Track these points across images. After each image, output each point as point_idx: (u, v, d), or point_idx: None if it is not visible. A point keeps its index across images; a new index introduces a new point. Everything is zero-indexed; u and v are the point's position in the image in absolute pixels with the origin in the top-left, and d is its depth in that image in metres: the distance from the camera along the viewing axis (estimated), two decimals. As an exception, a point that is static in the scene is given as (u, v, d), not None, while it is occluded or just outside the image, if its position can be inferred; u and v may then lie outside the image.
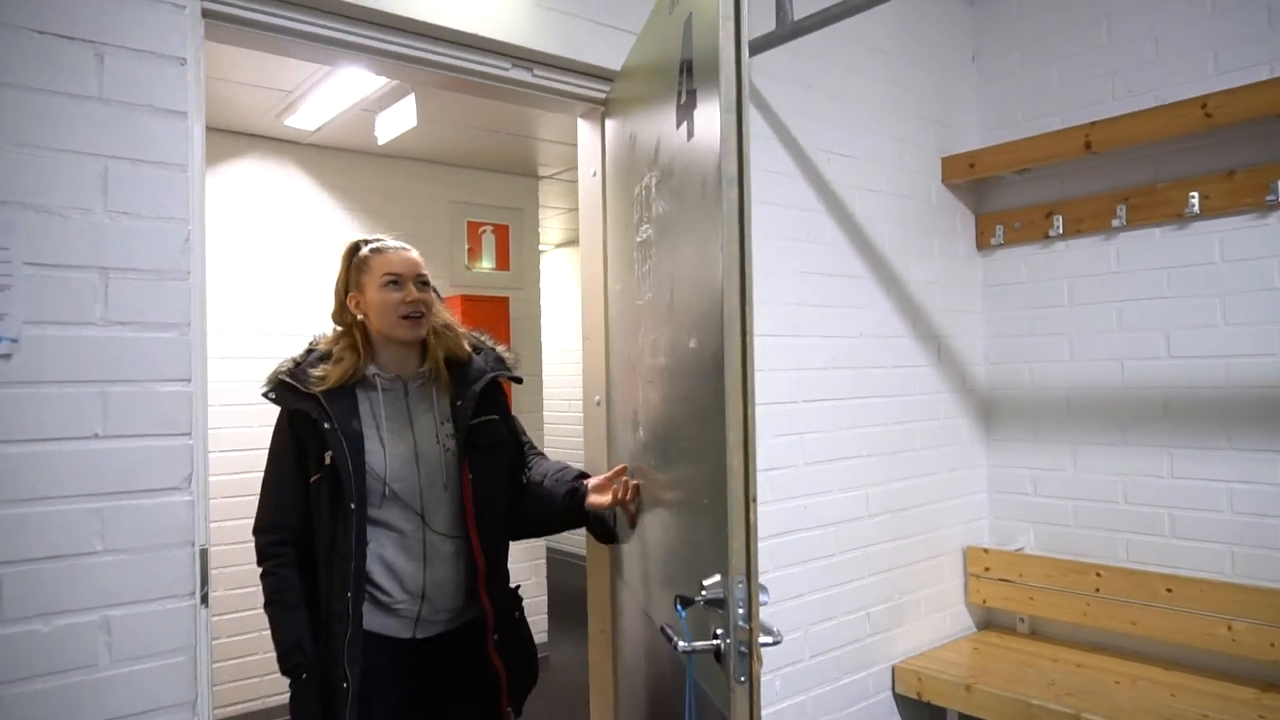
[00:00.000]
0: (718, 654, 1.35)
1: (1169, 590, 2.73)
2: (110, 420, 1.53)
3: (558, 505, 1.94)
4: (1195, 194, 2.72)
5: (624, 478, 1.95)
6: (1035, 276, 3.17)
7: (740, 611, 1.30)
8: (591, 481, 1.97)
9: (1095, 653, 2.92)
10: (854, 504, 2.78)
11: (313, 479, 1.81)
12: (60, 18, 1.50)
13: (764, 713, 2.49)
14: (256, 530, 1.86)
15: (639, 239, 1.91)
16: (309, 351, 1.92)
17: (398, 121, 3.27)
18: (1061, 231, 3.04)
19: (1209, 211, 2.71)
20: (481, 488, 1.88)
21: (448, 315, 1.99)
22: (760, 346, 2.48)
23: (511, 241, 4.51)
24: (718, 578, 1.35)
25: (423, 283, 1.90)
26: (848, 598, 2.76)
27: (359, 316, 1.88)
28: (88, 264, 1.52)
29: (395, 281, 1.85)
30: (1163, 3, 2.83)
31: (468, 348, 1.97)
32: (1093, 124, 2.82)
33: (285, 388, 1.85)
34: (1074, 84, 3.04)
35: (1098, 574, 2.90)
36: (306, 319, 3.82)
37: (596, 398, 2.35)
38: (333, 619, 1.77)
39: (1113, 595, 2.87)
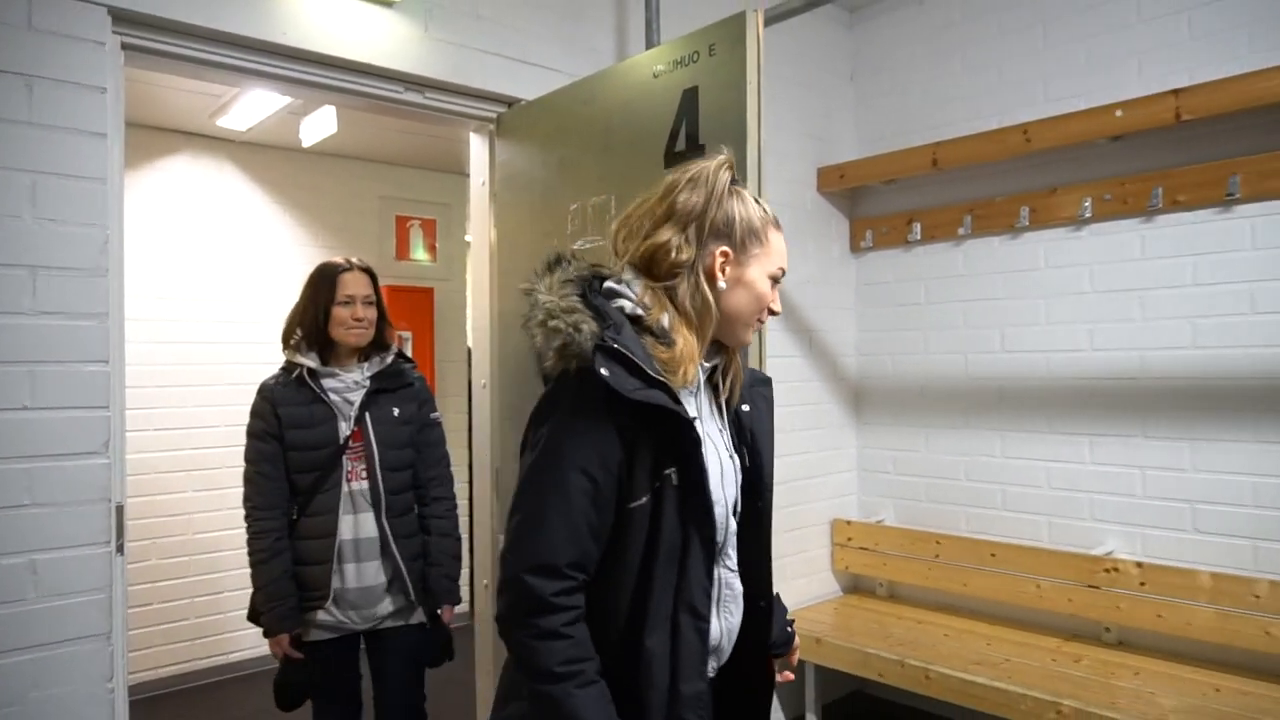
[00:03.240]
0: None
1: (993, 555, 3.13)
2: (38, 394, 1.82)
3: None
4: (1025, 208, 3.10)
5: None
6: (899, 277, 3.53)
7: None
8: None
9: (937, 611, 3.31)
10: (723, 478, 3.13)
11: (636, 503, 1.20)
12: (-6, 55, 1.78)
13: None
14: (536, 570, 1.16)
15: (579, 246, 2.29)
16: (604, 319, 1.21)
17: (320, 127, 3.54)
18: (920, 237, 3.41)
19: (1036, 224, 3.09)
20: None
21: None
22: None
23: (439, 235, 4.80)
24: None
25: None
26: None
27: (721, 285, 1.27)
28: (18, 263, 1.80)
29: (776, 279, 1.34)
30: (1005, 37, 3.20)
31: None
32: (939, 144, 3.19)
33: (622, 361, 1.18)
34: (932, 106, 3.41)
35: (937, 542, 3.29)
36: (239, 308, 4.11)
37: (483, 382, 2.67)
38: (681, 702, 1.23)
39: (950, 561, 3.26)
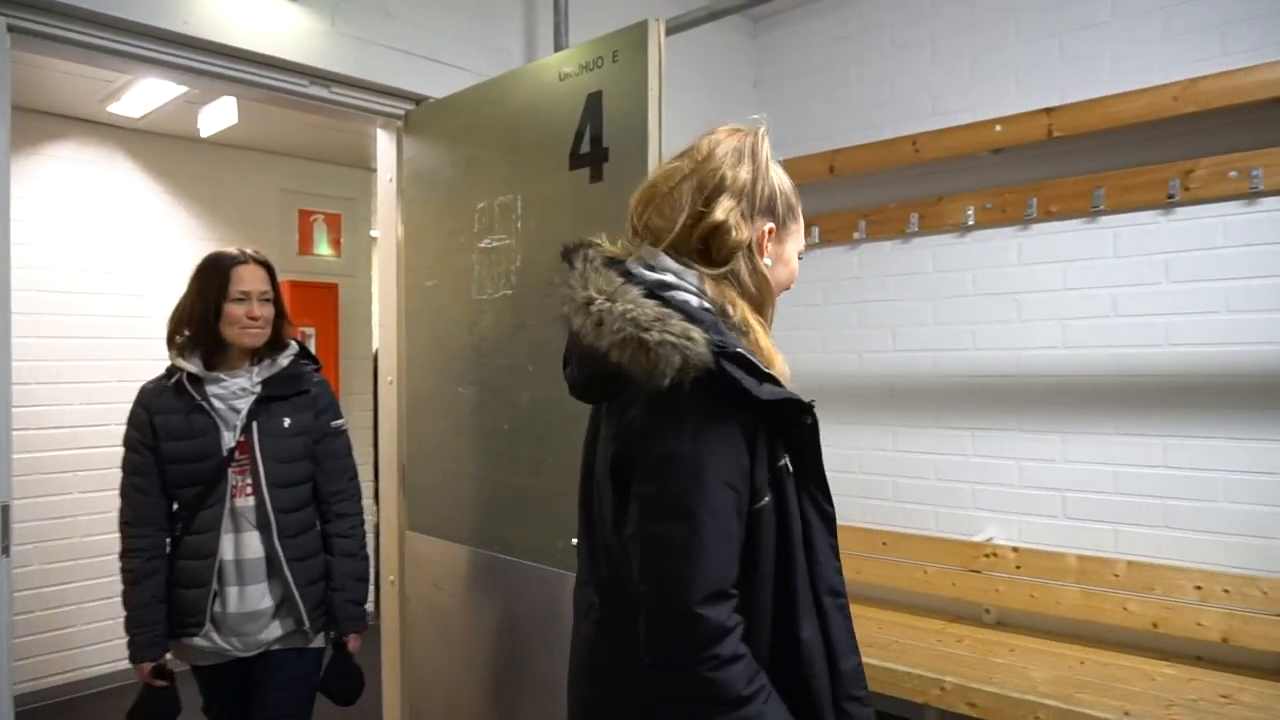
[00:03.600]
0: None
1: (884, 544, 3.30)
2: (-85, 390, 1.75)
3: None
4: (915, 214, 3.27)
5: None
6: (799, 278, 3.65)
7: None
8: None
9: (833, 598, 3.46)
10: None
11: (761, 503, 1.13)
12: None
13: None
14: (709, 599, 1.06)
15: (486, 245, 2.31)
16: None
17: (220, 117, 3.46)
18: (819, 240, 3.56)
19: (925, 229, 3.27)
20: None
21: None
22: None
23: (344, 230, 4.73)
24: None
25: None
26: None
27: (766, 261, 1.23)
28: (-106, 252, 1.73)
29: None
30: (898, 52, 3.37)
31: None
32: (836, 151, 3.34)
33: (743, 364, 1.10)
34: (830, 115, 3.56)
35: (834, 531, 3.43)
36: (129, 302, 3.97)
37: (389, 378, 2.67)
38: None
39: (845, 550, 3.38)
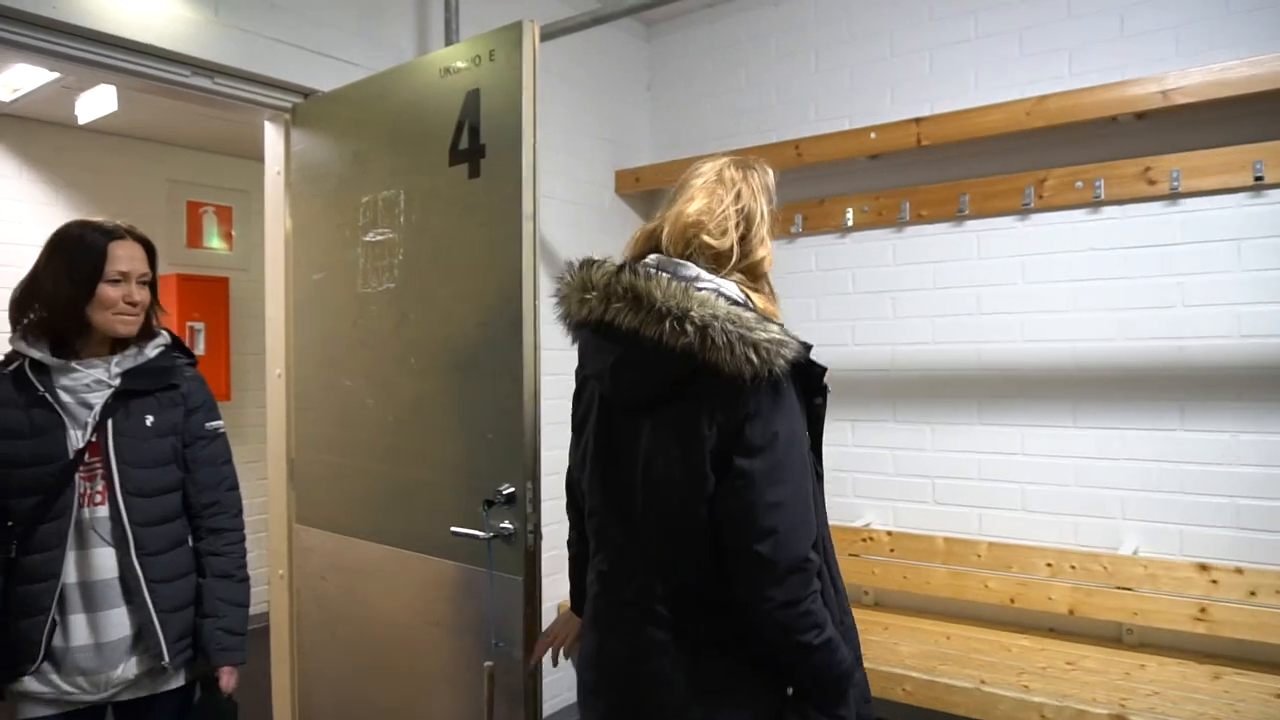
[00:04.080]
0: (508, 537, 2.00)
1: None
2: None
3: None
4: (800, 215, 3.43)
5: None
6: (691, 276, 3.79)
7: (529, 503, 2.00)
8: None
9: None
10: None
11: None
12: None
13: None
14: (812, 546, 1.35)
15: (370, 239, 2.33)
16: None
17: (98, 105, 3.35)
18: (709, 240, 3.68)
19: (808, 230, 3.42)
20: None
21: None
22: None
23: (236, 223, 4.62)
24: (510, 486, 2.01)
25: None
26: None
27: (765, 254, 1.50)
28: None
29: None
30: (782, 60, 3.51)
31: None
32: (725, 153, 3.46)
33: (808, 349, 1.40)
34: (720, 118, 3.69)
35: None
36: (5, 294, 3.79)
37: (278, 371, 2.66)
38: None
39: (734, 536, 3.54)
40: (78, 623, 1.69)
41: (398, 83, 2.32)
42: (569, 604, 1.82)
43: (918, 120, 3.00)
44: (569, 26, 2.56)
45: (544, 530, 3.37)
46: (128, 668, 1.74)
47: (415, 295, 2.23)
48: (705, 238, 1.44)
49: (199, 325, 4.31)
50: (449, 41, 2.73)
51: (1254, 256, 2.62)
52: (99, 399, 1.73)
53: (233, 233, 4.62)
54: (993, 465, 3.06)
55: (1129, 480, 2.82)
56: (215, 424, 1.92)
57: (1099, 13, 2.83)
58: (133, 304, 1.76)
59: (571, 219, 3.50)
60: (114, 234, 1.77)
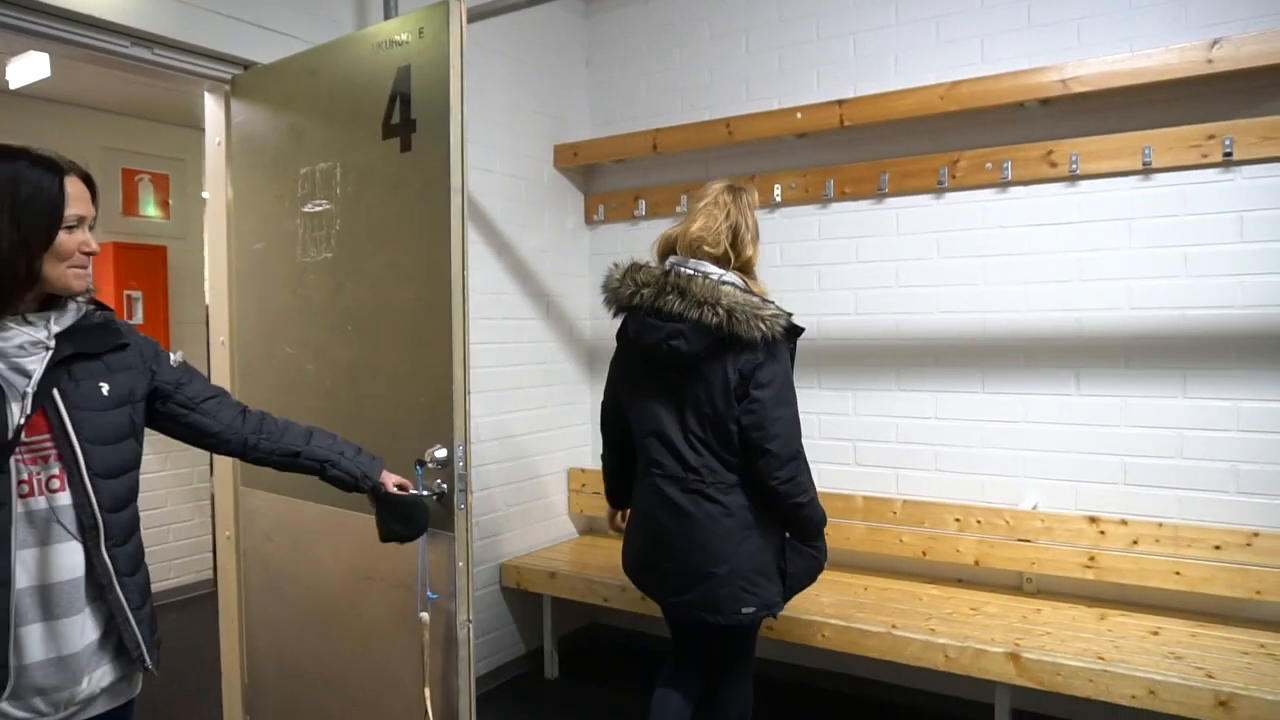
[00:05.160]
0: (441, 496, 2.15)
1: (702, 492, 3.61)
2: None
3: None
4: (731, 191, 3.56)
5: None
6: (628, 249, 3.86)
7: (460, 464, 2.13)
8: None
9: (657, 544, 3.76)
10: (464, 431, 3.37)
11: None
12: None
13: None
14: (801, 444, 2.24)
15: (309, 210, 2.40)
16: None
17: (30, 70, 3.32)
18: (645, 213, 3.81)
19: (739, 205, 3.56)
20: None
21: None
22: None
23: (173, 191, 4.59)
24: (442, 449, 2.13)
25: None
26: (458, 508, 3.35)
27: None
28: None
29: None
30: (716, 41, 3.64)
31: None
32: (659, 130, 3.58)
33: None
34: (655, 95, 3.80)
35: (657, 483, 3.73)
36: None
37: (221, 339, 2.72)
38: None
39: (668, 499, 3.70)
40: (32, 635, 1.37)
41: (334, 57, 2.37)
42: (609, 503, 2.65)
43: (840, 102, 3.16)
44: (506, 5, 2.64)
45: (478, 492, 3.48)
46: (93, 680, 1.45)
47: (351, 265, 2.32)
48: (706, 248, 2.22)
49: (137, 294, 4.30)
50: (387, 16, 2.79)
51: (1143, 235, 2.84)
52: (36, 364, 1.39)
53: (169, 201, 4.59)
54: (909, 429, 3.27)
55: (1030, 441, 3.05)
56: (176, 356, 1.69)
57: (1009, 3, 3.01)
58: (89, 254, 1.46)
59: (511, 191, 3.59)
60: (63, 169, 1.43)
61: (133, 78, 2.90)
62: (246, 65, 2.63)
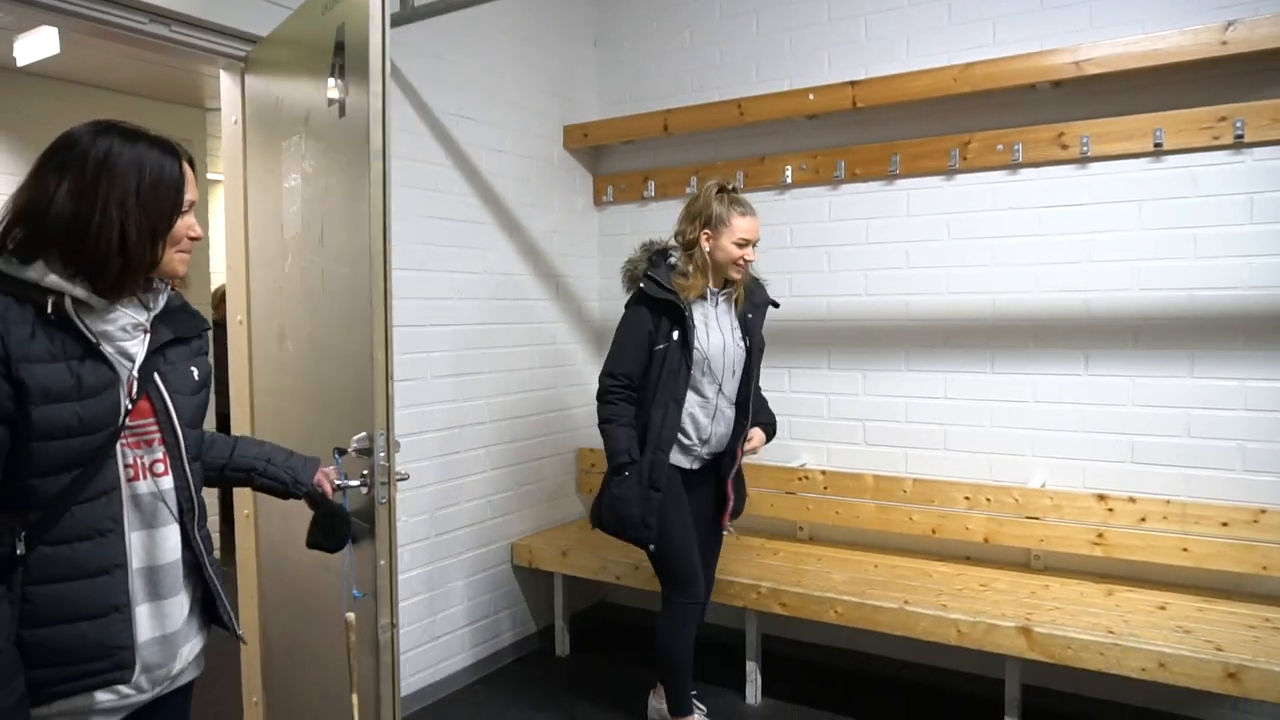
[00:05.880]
0: (362, 486, 1.93)
1: (712, 471, 3.64)
2: None
3: None
4: (741, 172, 3.58)
5: None
6: (636, 230, 3.91)
7: (381, 455, 1.92)
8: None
9: (666, 523, 3.80)
10: (475, 411, 3.39)
11: (659, 347, 2.64)
12: None
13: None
14: (607, 374, 2.72)
15: (287, 185, 2.36)
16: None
17: (38, 47, 3.28)
18: (654, 194, 3.81)
19: (749, 187, 3.58)
20: (750, 376, 2.78)
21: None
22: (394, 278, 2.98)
23: (176, 171, 4.55)
24: (364, 434, 1.94)
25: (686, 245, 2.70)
26: (471, 488, 3.38)
27: (707, 248, 2.64)
28: None
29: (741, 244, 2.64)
30: (725, 22, 3.64)
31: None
32: (670, 111, 3.59)
33: (655, 282, 2.65)
34: (665, 76, 3.80)
35: (667, 462, 3.76)
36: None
37: (239, 318, 2.72)
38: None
39: (677, 478, 3.73)
40: (143, 615, 1.40)
41: (300, 23, 2.32)
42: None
43: (853, 83, 3.17)
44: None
45: (489, 472, 3.48)
46: (184, 655, 1.49)
47: (310, 241, 2.27)
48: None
49: (140, 275, 4.27)
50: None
51: (1153, 216, 2.87)
52: (138, 348, 1.39)
53: (172, 182, 4.55)
54: (918, 408, 3.30)
55: (1039, 421, 3.09)
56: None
57: (1021, -15, 3.03)
58: (195, 239, 1.45)
59: (521, 172, 3.59)
60: (179, 152, 1.43)
61: (146, 55, 2.88)
62: (254, 40, 2.62)
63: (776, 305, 2.88)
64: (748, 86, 3.56)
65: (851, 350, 3.43)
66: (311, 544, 1.83)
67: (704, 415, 2.69)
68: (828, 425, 3.50)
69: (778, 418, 3.59)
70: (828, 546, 3.44)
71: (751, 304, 2.76)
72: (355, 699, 1.95)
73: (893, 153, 3.24)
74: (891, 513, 3.29)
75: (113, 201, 1.32)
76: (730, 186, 2.70)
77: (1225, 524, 2.75)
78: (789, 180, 3.48)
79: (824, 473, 3.44)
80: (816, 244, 3.47)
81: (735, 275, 2.67)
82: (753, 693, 3.18)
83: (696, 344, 2.61)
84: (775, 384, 3.57)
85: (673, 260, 2.68)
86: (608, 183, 3.94)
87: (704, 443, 2.70)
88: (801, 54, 3.46)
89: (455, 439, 3.29)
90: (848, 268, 3.42)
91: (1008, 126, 3.04)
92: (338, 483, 1.85)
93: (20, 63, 3.52)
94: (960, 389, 3.23)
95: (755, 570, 3.16)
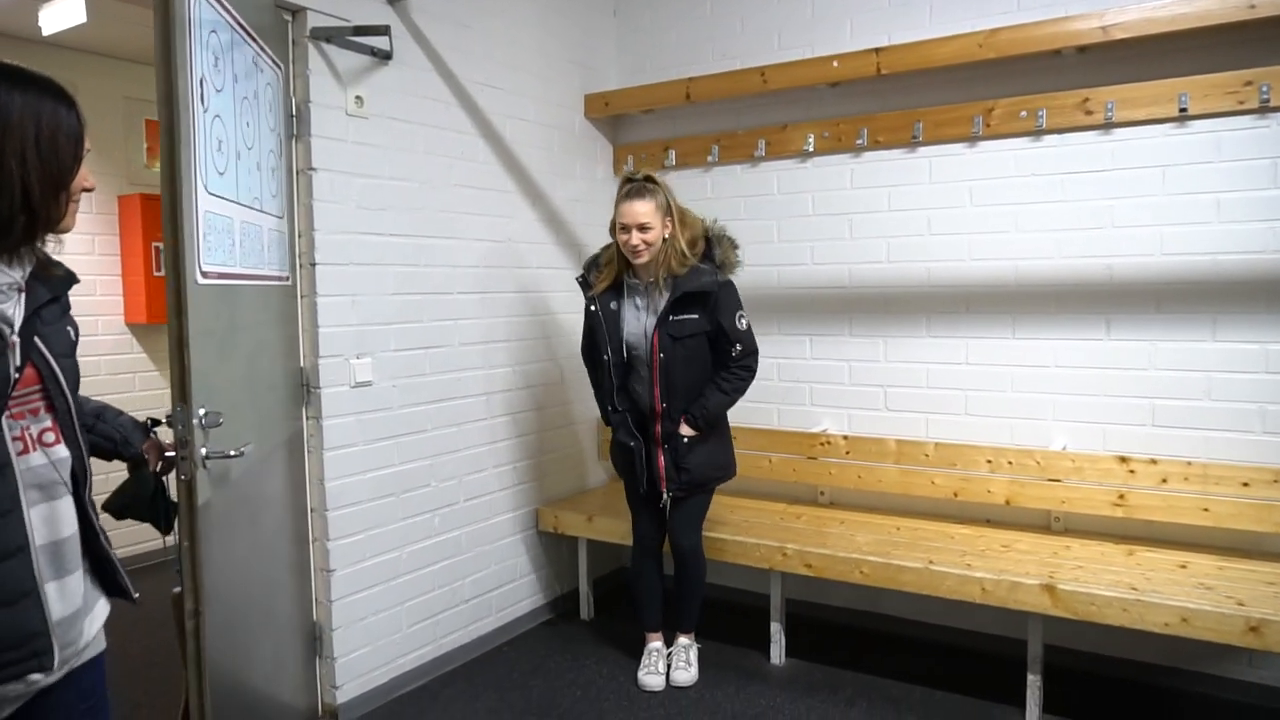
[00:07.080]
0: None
1: (736, 439, 3.68)
2: None
3: None
4: (763, 140, 3.59)
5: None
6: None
7: (180, 428, 1.75)
8: None
9: (688, 490, 3.85)
10: (502, 378, 3.43)
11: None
12: None
13: (422, 545, 3.09)
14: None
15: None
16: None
17: (65, 15, 3.28)
18: (674, 163, 3.83)
19: (771, 155, 3.60)
20: (667, 362, 2.92)
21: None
22: (416, 246, 3.02)
23: (194, 143, 4.56)
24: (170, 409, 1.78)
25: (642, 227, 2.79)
26: (498, 454, 3.42)
27: (667, 232, 2.87)
28: None
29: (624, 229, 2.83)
30: (747, -12, 3.64)
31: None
32: (692, 79, 3.59)
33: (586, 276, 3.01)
34: (686, 45, 3.80)
35: (689, 429, 3.80)
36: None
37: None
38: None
39: (699, 445, 3.78)
40: (52, 594, 1.27)
41: None
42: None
43: (878, 50, 3.18)
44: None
45: (513, 439, 3.51)
46: (89, 626, 1.36)
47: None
48: None
49: (159, 245, 4.30)
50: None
51: (1177, 182, 2.90)
52: (14, 309, 1.24)
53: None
54: (940, 374, 3.34)
55: (1060, 385, 3.13)
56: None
57: (1047, -50, 3.03)
58: (89, 189, 1.33)
59: (544, 140, 3.60)
60: (71, 96, 1.29)
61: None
62: (295, 11, 2.63)
63: (719, 286, 2.92)
64: (769, 54, 3.56)
65: (873, 317, 3.46)
66: (106, 506, 1.57)
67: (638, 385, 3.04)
68: (849, 391, 3.54)
69: (800, 384, 3.64)
70: (849, 510, 3.49)
71: (677, 293, 2.85)
72: (187, 673, 1.84)
73: (915, 120, 3.26)
74: (914, 476, 3.34)
75: (10, 154, 1.17)
76: (639, 175, 2.81)
77: (1246, 484, 2.79)
78: (811, 148, 3.50)
79: (846, 438, 3.48)
80: (839, 212, 3.50)
81: (633, 261, 2.84)
82: (777, 653, 3.25)
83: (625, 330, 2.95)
84: (797, 350, 3.62)
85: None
86: (628, 152, 3.96)
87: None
88: (823, 21, 3.47)
89: (483, 405, 3.33)
90: (870, 235, 3.44)
91: (1032, 92, 3.06)
92: (168, 454, 1.67)
93: (45, 32, 3.51)
94: (981, 354, 3.27)
95: (779, 534, 3.22)
